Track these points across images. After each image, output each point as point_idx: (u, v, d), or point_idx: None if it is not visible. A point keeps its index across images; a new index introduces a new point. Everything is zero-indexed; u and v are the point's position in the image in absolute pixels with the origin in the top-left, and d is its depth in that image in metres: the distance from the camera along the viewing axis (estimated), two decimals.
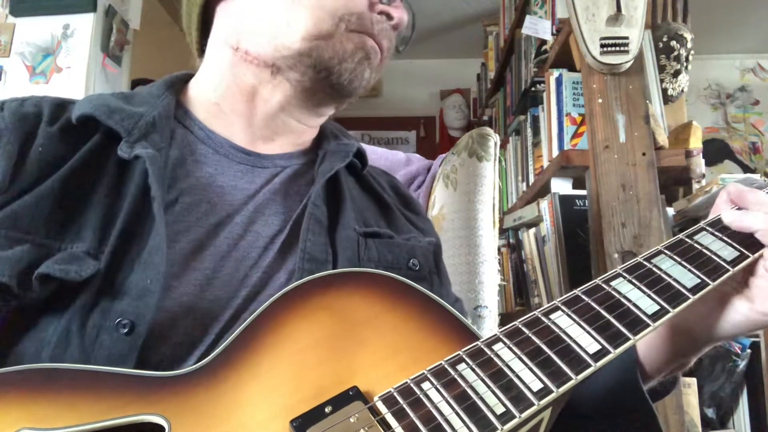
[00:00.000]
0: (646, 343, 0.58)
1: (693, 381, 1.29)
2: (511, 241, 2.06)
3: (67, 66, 2.20)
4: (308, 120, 0.71)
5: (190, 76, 0.73)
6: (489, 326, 0.97)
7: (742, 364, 1.35)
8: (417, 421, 0.39)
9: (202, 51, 0.73)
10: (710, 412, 1.37)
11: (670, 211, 1.47)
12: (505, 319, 0.78)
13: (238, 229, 0.60)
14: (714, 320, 0.54)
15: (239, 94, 0.67)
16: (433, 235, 0.76)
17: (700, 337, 0.55)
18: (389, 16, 0.67)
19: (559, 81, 1.63)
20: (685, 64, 1.55)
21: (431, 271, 0.69)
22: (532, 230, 1.79)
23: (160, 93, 0.66)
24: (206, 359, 0.46)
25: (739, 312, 0.52)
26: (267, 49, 0.64)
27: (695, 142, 1.46)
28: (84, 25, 2.22)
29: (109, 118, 0.59)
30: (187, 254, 0.56)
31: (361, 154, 0.74)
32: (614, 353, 0.43)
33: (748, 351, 1.36)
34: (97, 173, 0.57)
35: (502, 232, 2.09)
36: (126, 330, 0.49)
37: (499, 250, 1.65)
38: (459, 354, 0.43)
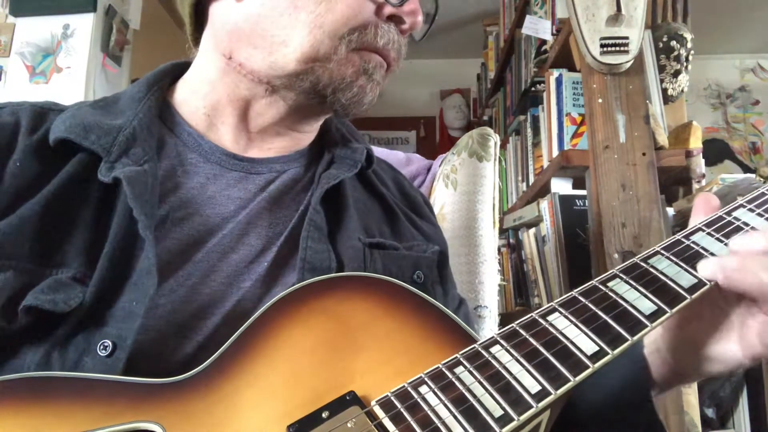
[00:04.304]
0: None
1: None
2: (511, 241, 2.06)
3: (67, 66, 2.20)
4: (307, 127, 0.68)
5: (179, 68, 0.69)
6: (489, 326, 0.97)
7: None
8: (414, 425, 0.38)
9: (197, 42, 0.68)
10: (710, 412, 1.36)
11: (670, 211, 1.47)
12: (505, 319, 0.77)
13: (228, 240, 0.57)
14: (711, 363, 0.50)
15: (230, 107, 0.63)
16: (438, 242, 0.73)
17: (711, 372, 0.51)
18: (400, 20, 0.62)
19: (559, 81, 1.63)
20: (685, 64, 1.55)
21: (434, 281, 0.67)
22: (532, 230, 1.79)
23: (142, 95, 0.62)
24: (201, 366, 0.45)
25: (732, 355, 0.49)
26: (261, 66, 0.60)
27: (695, 142, 1.45)
28: (84, 25, 2.22)
29: (85, 139, 0.56)
30: (175, 270, 0.54)
31: (369, 157, 0.71)
32: (612, 354, 0.42)
33: None
34: (82, 194, 0.54)
35: (502, 232, 2.09)
36: (106, 353, 0.47)
37: (499, 250, 1.65)
38: (456, 357, 0.43)
